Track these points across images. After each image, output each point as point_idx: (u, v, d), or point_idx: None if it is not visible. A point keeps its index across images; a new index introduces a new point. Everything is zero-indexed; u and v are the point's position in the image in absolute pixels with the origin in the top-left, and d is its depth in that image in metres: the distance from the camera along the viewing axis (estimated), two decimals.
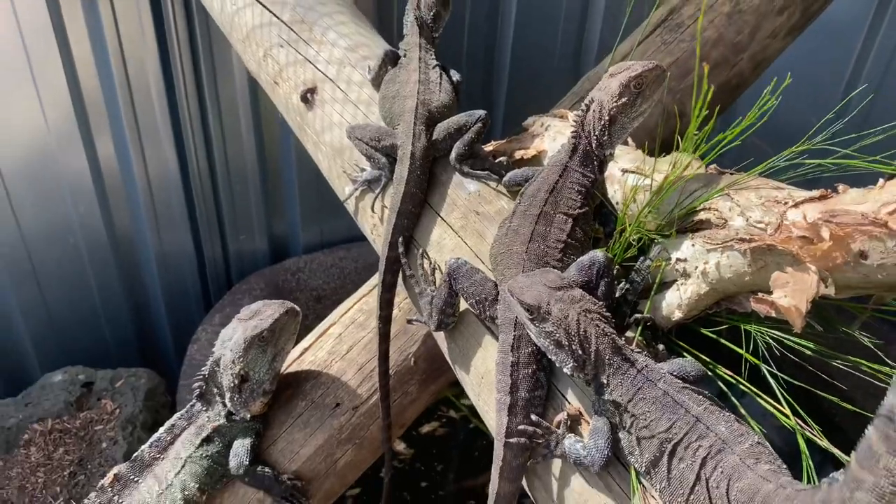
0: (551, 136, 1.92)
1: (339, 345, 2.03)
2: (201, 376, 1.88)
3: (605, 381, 1.31)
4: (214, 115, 3.08)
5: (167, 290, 3.35)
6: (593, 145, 1.54)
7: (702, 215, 1.54)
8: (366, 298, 2.13)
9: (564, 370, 1.33)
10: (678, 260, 1.54)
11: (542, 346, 1.35)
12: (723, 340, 1.52)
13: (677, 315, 1.55)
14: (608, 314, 1.34)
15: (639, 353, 1.34)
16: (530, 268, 1.45)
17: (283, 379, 1.97)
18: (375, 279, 2.19)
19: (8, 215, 2.81)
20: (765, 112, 1.40)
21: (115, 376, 2.77)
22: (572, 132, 1.56)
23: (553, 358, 1.34)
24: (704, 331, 1.56)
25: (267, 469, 1.87)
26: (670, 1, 2.31)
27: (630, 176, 1.76)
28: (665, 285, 1.57)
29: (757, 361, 1.43)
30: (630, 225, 1.49)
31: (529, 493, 1.49)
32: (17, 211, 2.82)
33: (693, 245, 1.52)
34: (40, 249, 2.96)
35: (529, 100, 3.50)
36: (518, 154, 1.91)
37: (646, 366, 1.31)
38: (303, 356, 2.04)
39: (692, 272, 1.52)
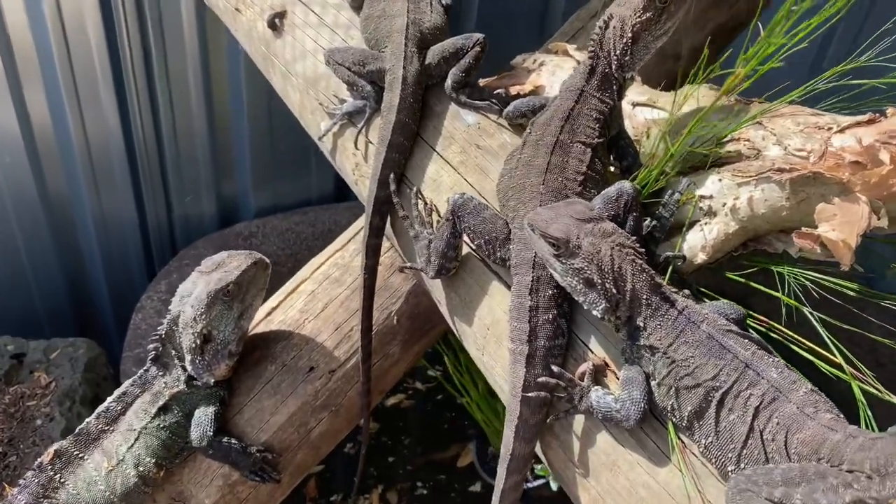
0: (549, 70, 1.75)
1: (313, 302, 1.82)
2: (157, 336, 1.66)
3: (640, 325, 1.16)
4: (160, 64, 2.79)
5: (106, 255, 3.05)
6: (613, 67, 1.38)
7: (729, 147, 1.40)
8: (340, 253, 1.92)
9: (594, 312, 1.17)
10: (702, 197, 1.39)
11: (569, 285, 1.18)
12: (754, 284, 1.38)
13: (701, 257, 1.41)
14: (642, 249, 1.18)
15: (676, 292, 1.19)
16: (548, 202, 1.28)
17: (250, 341, 1.76)
18: (348, 234, 2.00)
19: None
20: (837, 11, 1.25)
21: (50, 347, 2.49)
22: (589, 52, 1.39)
23: (581, 299, 1.18)
24: (731, 275, 1.42)
25: (233, 440, 1.65)
26: None
27: (640, 109, 1.61)
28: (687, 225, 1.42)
29: (797, 304, 1.29)
30: (673, 147, 1.33)
31: (542, 456, 1.33)
32: None
33: (720, 180, 1.38)
34: None
35: (500, 38, 3.31)
36: (513, 90, 1.73)
37: (686, 306, 1.16)
38: (271, 315, 1.82)
39: (719, 210, 1.38)
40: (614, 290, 1.14)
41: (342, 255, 1.90)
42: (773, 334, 1.33)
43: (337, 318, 1.80)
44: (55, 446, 1.67)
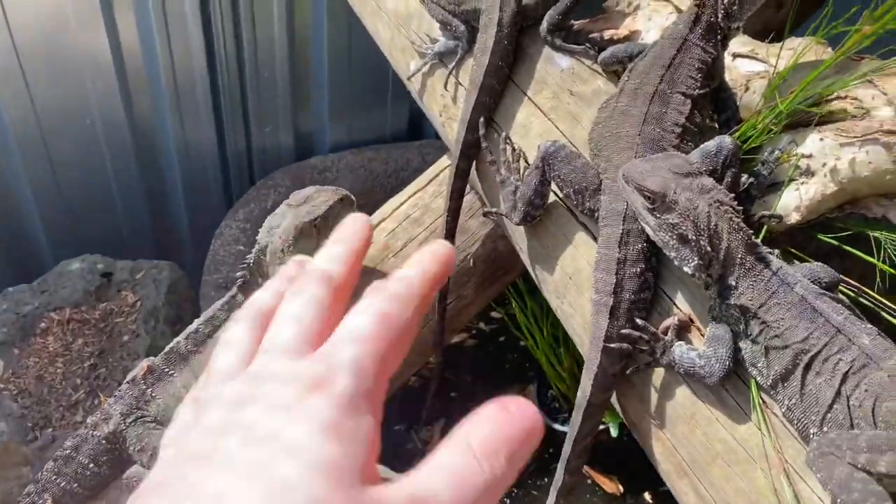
0: (646, 14, 1.70)
1: (394, 240, 1.86)
2: (245, 265, 1.72)
3: (732, 284, 1.15)
4: None
5: (187, 181, 3.15)
6: (719, 16, 1.33)
7: (834, 105, 1.35)
8: (420, 194, 1.95)
9: (685, 269, 1.17)
10: (801, 156, 1.35)
11: (661, 240, 1.18)
12: (847, 247, 1.35)
13: (794, 218, 1.38)
14: (739, 208, 1.16)
15: (771, 252, 1.17)
16: (643, 153, 1.27)
17: None
18: (429, 175, 2.01)
19: (21, 88, 2.58)
20: None
21: (136, 268, 2.61)
22: (696, 0, 1.34)
23: (672, 255, 1.17)
24: (823, 237, 1.39)
25: None
26: None
27: (741, 60, 1.55)
28: (779, 185, 1.39)
29: (892, 270, 1.26)
30: (783, 104, 1.29)
31: (618, 404, 1.35)
32: (31, 84, 2.60)
33: (822, 139, 1.34)
34: (54, 127, 2.74)
35: None
36: (607, 34, 1.68)
37: (781, 267, 1.14)
38: None
39: (818, 170, 1.34)
40: (709, 248, 1.13)
41: (421, 196, 1.92)
42: (863, 300, 1.31)
43: None
44: (147, 362, 1.77)
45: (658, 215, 1.15)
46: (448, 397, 2.93)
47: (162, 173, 3.12)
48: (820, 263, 1.23)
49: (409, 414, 2.88)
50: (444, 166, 1.95)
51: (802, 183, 1.36)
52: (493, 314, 3.17)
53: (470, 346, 3.14)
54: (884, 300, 1.25)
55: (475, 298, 1.92)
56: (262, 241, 1.70)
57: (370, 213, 1.87)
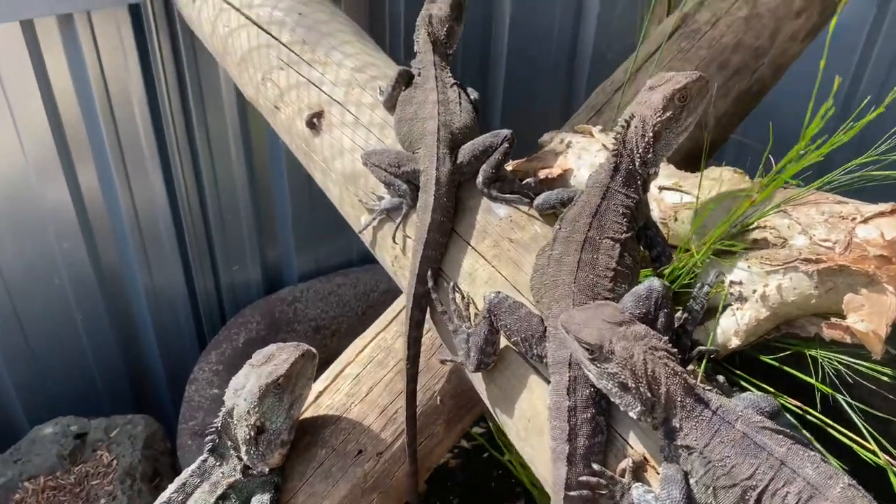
0: (576, 153, 1.81)
1: (358, 386, 1.89)
2: (213, 429, 1.74)
3: (677, 426, 1.19)
4: (202, 141, 2.94)
5: (159, 327, 3.18)
6: (636, 164, 1.43)
7: (756, 234, 1.44)
8: (382, 335, 1.99)
9: (630, 414, 1.21)
10: (732, 283, 1.43)
11: (605, 388, 1.23)
12: (787, 368, 1.41)
13: (734, 342, 1.44)
14: (674, 350, 1.22)
15: (710, 390, 1.22)
16: (580, 300, 1.33)
17: (300, 426, 1.82)
18: (389, 314, 2.06)
19: None
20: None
21: (110, 425, 2.60)
22: (613, 150, 1.44)
23: (617, 401, 1.22)
24: (764, 358, 1.45)
25: None
26: (684, 6, 2.22)
27: (667, 193, 1.65)
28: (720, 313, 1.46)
29: (829, 391, 1.32)
30: (705, 244, 1.37)
31: None
32: None
33: (749, 267, 1.42)
34: (23, 290, 2.78)
35: (525, 115, 3.41)
36: (542, 173, 1.79)
37: (720, 405, 1.19)
38: (319, 400, 1.89)
39: (749, 296, 1.42)
40: (649, 394, 1.18)
41: (384, 338, 1.97)
42: (809, 417, 1.36)
43: (381, 401, 1.87)
44: None
45: (598, 365, 1.21)
46: None
47: (133, 322, 3.15)
48: (760, 393, 1.28)
49: None
50: (402, 306, 2.00)
51: (738, 308, 1.43)
52: (475, 430, 3.17)
53: (454, 466, 3.13)
54: (823, 417, 1.30)
55: (446, 434, 1.94)
56: (229, 403, 1.72)
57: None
